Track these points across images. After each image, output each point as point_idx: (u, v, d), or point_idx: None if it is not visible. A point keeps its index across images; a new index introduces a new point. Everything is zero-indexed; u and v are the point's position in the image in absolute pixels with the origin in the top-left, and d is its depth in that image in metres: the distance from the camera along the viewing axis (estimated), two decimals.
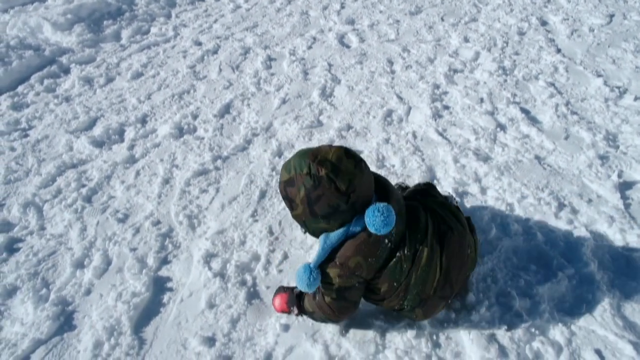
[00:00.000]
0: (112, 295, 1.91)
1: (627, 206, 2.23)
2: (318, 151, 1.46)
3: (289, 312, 1.79)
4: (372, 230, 1.46)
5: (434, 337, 1.72)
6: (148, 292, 1.92)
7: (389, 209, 1.46)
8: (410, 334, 1.73)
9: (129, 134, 2.94)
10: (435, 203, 1.77)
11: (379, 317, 1.79)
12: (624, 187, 2.35)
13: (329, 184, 1.42)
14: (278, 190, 1.49)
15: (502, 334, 1.72)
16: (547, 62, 3.47)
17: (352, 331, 1.74)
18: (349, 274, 1.54)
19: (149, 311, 1.87)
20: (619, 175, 2.41)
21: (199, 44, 4.08)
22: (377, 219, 1.44)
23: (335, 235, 1.51)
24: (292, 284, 1.91)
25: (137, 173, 2.61)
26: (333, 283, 1.56)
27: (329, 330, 1.76)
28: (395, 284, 1.59)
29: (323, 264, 1.55)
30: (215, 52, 3.92)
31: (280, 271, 2.00)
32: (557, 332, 1.71)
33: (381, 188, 1.59)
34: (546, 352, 1.66)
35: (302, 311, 1.76)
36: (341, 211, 1.47)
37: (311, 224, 1.54)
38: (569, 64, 3.42)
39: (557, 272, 1.92)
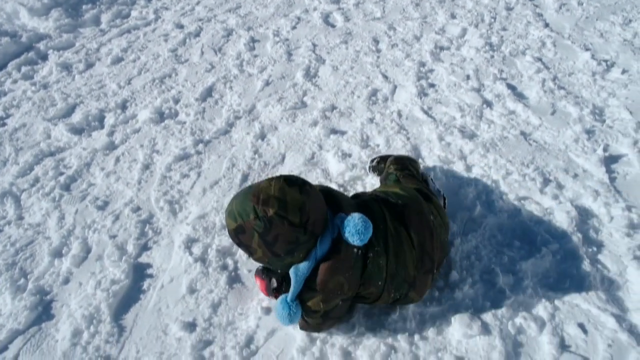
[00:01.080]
0: (91, 284, 1.88)
1: (612, 180, 2.21)
2: (258, 191, 1.37)
3: (269, 296, 1.76)
4: (357, 241, 1.42)
5: (417, 316, 1.71)
6: (128, 279, 1.89)
7: (362, 217, 1.43)
8: (394, 313, 1.71)
9: (109, 120, 2.88)
10: (381, 192, 1.75)
11: None
12: (610, 161, 2.32)
13: (281, 222, 1.34)
14: (230, 237, 1.46)
15: (485, 310, 1.71)
16: (534, 37, 3.41)
17: None
18: (331, 296, 1.50)
19: (128, 298, 1.84)
20: (605, 149, 2.38)
21: (180, 26, 3.99)
22: (358, 227, 1.41)
23: (305, 265, 1.44)
24: None
25: (117, 159, 2.56)
26: (317, 310, 1.52)
27: None
28: (380, 283, 1.56)
29: (302, 295, 1.50)
30: (197, 34, 3.83)
31: None
32: (541, 308, 1.70)
33: (330, 200, 1.54)
34: (529, 327, 1.65)
35: None
36: (302, 242, 1.41)
37: (276, 262, 1.49)
38: (557, 39, 3.37)
39: (541, 247, 1.90)
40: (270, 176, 1.98)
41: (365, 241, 1.43)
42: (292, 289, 1.47)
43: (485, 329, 1.65)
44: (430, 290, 1.77)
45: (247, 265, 1.93)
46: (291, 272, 1.46)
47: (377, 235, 1.53)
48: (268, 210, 1.33)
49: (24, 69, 3.42)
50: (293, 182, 1.40)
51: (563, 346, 1.60)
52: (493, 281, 1.81)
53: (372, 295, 1.60)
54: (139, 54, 3.58)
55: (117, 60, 3.51)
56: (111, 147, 2.65)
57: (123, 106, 3.00)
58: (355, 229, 1.41)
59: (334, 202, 1.53)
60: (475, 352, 1.60)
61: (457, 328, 1.66)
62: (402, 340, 1.64)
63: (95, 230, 2.14)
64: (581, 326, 1.66)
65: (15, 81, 3.32)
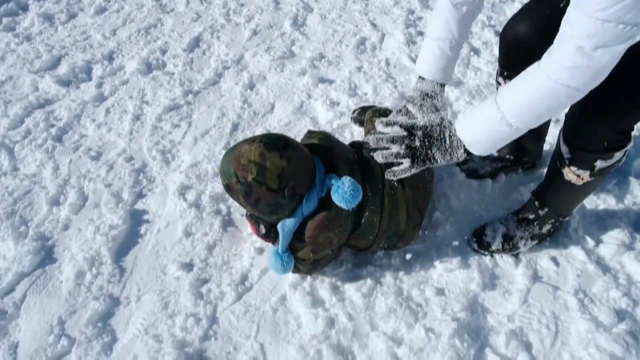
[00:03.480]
0: (90, 229, 1.96)
1: None
2: (239, 154, 1.40)
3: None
4: (344, 206, 1.46)
5: (402, 253, 1.81)
6: (125, 224, 1.97)
7: (351, 184, 1.45)
8: (380, 251, 1.82)
9: (96, 71, 2.85)
10: None
11: None
12: None
13: (259, 187, 1.39)
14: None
15: (465, 247, 1.83)
16: None
17: None
18: (320, 248, 1.57)
19: (127, 242, 1.92)
20: None
21: None
22: (345, 195, 1.44)
23: (291, 221, 1.50)
24: None
25: (107, 111, 2.57)
26: (306, 259, 1.59)
27: None
28: (371, 238, 1.64)
29: (292, 245, 1.56)
30: None
31: None
32: None
33: (326, 157, 1.56)
34: (505, 261, 1.77)
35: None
36: (283, 204, 1.46)
37: (264, 217, 1.57)
38: None
39: (519, 186, 2.00)
40: (256, 133, 2.02)
41: (352, 207, 1.47)
42: (280, 242, 1.54)
43: (465, 263, 1.77)
44: None
45: (240, 210, 2.01)
46: (279, 226, 1.53)
47: (374, 194, 1.58)
48: (247, 176, 1.38)
49: (5, 20, 3.32)
50: (274, 147, 1.40)
51: (536, 277, 1.73)
52: (475, 220, 1.91)
53: (361, 245, 1.70)
54: (122, 3, 3.49)
55: (101, 10, 3.42)
56: (100, 98, 2.65)
57: (110, 57, 2.96)
58: (343, 197, 1.44)
59: (329, 161, 1.55)
60: (455, 283, 1.72)
61: (439, 264, 1.78)
62: (387, 275, 1.75)
63: (90, 179, 2.19)
64: (554, 259, 1.78)
65: None
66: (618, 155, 1.41)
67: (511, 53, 1.62)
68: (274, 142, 1.43)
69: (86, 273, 1.80)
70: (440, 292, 1.70)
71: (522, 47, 1.54)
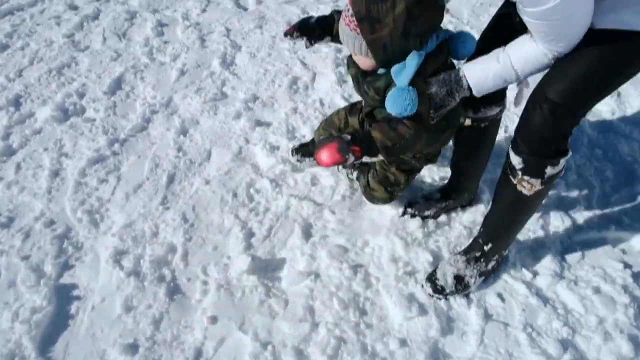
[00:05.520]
0: (6, 316, 1.69)
1: None
2: None
3: (343, 161, 1.50)
4: (459, 54, 1.53)
5: (360, 305, 1.79)
6: (51, 305, 1.73)
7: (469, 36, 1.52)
8: (338, 305, 1.78)
9: (1, 120, 2.53)
10: None
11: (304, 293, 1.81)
12: None
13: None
14: (349, 13, 1.36)
15: (417, 291, 1.85)
16: None
17: (281, 314, 1.75)
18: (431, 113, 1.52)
19: (55, 327, 1.69)
20: None
21: (74, 8, 3.56)
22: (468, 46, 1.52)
23: (421, 54, 1.41)
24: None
25: (18, 166, 2.28)
26: (401, 182, 1.77)
27: (259, 316, 1.74)
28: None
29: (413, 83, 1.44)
30: (95, 17, 3.46)
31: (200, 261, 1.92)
32: None
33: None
34: (457, 302, 1.82)
35: (364, 154, 1.52)
36: (433, 30, 1.43)
37: (395, 45, 1.40)
38: (457, 24, 3.60)
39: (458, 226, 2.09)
40: (194, 184, 1.92)
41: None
42: (406, 74, 1.41)
43: (422, 309, 1.79)
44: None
45: (186, 274, 1.86)
46: (409, 57, 1.41)
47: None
48: None
49: None
50: None
51: (487, 316, 1.80)
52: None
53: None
54: (27, 39, 3.16)
55: (2, 47, 3.07)
56: (8, 152, 2.35)
57: (16, 102, 2.65)
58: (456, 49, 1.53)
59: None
60: (415, 332, 1.73)
61: (398, 312, 1.78)
62: (348, 331, 1.72)
63: (2, 252, 1.90)
64: (499, 295, 1.87)
65: None
66: (562, 162, 1.56)
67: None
68: None
69: None
70: (403, 342, 1.70)
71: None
